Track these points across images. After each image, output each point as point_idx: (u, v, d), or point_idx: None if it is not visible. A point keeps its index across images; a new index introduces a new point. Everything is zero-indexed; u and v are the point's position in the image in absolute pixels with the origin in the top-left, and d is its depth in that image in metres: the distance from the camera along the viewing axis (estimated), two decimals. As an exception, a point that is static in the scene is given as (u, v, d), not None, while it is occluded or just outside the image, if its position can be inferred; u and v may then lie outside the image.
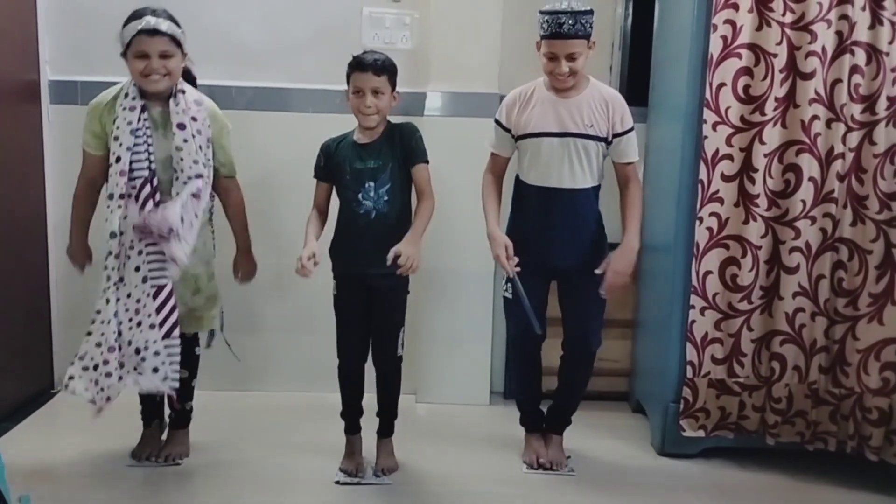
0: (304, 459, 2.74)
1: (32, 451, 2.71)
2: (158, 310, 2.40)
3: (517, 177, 2.67)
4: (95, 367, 2.40)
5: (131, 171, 2.40)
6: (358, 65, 2.48)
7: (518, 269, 2.54)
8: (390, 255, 2.40)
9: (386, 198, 2.51)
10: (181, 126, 2.43)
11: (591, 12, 2.47)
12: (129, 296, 2.42)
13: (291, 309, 3.32)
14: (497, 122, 2.64)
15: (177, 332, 2.43)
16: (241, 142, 2.91)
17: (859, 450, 2.68)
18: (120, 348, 2.41)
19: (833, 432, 2.70)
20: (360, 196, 2.51)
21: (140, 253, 2.41)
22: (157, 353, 2.40)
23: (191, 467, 2.67)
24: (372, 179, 2.51)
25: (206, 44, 3.10)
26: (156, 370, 2.41)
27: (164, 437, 2.75)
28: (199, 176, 2.44)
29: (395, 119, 2.59)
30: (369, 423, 2.72)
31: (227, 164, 2.61)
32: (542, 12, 2.48)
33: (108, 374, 2.39)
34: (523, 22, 3.18)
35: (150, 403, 2.72)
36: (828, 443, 2.72)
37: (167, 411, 2.74)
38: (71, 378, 2.44)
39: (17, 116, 3.06)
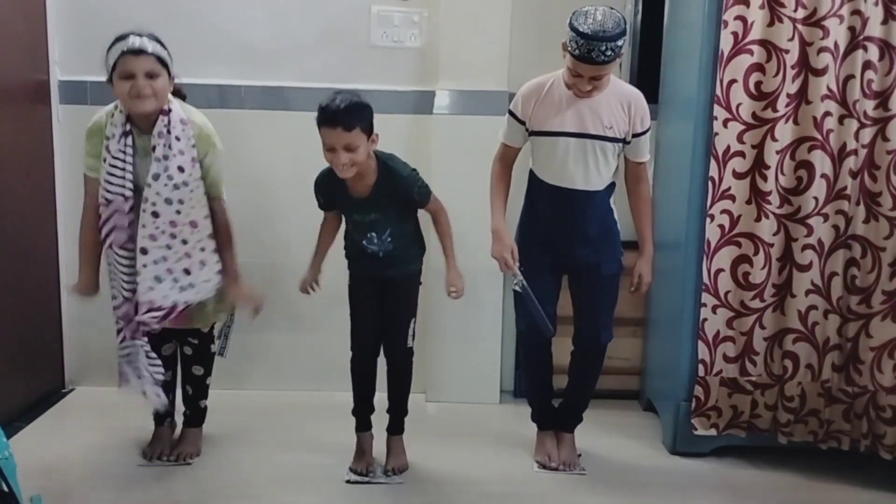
0: (314, 458, 2.74)
1: (44, 451, 2.72)
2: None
3: (531, 171, 2.64)
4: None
5: (106, 199, 2.40)
6: (325, 120, 2.30)
7: (521, 271, 2.51)
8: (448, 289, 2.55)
9: (389, 239, 2.52)
10: (157, 159, 2.37)
11: (624, 33, 2.32)
12: None
13: (301, 308, 3.31)
14: (511, 113, 2.57)
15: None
16: (248, 141, 2.91)
17: (873, 448, 2.66)
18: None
19: (846, 431, 2.69)
20: (364, 242, 2.53)
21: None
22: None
23: (201, 466, 2.67)
24: (373, 230, 2.51)
25: (215, 43, 3.12)
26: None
27: (175, 435, 2.76)
28: (168, 201, 2.40)
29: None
30: (380, 424, 2.72)
31: (213, 184, 2.49)
32: (574, 31, 2.30)
33: None
34: (533, 19, 3.18)
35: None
36: (841, 441, 2.71)
37: (178, 410, 2.75)
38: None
39: (27, 117, 3.07)
